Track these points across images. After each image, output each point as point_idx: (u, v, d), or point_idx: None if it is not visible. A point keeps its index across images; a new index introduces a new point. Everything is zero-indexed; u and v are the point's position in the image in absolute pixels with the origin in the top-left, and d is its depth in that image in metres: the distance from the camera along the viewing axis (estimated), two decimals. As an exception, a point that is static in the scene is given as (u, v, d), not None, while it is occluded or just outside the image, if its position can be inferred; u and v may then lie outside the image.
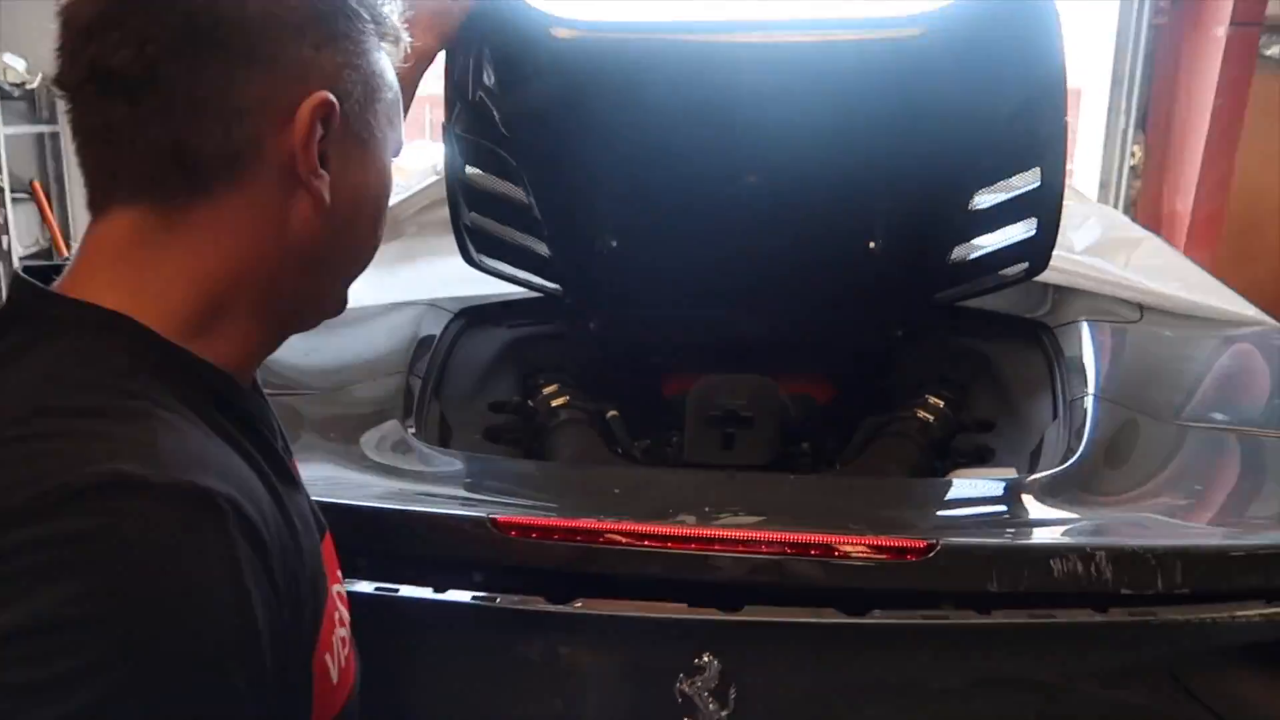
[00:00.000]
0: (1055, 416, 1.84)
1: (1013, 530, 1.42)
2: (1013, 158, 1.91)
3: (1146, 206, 4.62)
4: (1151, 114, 4.60)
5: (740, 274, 2.17)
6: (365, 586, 1.30)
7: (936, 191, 1.97)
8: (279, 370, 1.93)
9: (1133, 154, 4.59)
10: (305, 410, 1.75)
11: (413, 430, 1.72)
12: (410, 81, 1.63)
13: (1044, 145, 1.85)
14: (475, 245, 2.17)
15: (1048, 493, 1.51)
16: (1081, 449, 1.62)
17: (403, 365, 1.95)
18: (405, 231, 2.55)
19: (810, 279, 2.16)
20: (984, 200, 2.00)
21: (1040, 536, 1.39)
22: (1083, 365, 1.94)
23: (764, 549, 1.29)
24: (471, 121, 1.93)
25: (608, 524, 1.32)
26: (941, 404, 2.07)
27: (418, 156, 3.38)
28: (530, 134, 1.95)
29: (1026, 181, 1.93)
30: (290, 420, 1.68)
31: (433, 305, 2.24)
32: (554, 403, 2.09)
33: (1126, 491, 1.52)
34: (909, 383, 2.20)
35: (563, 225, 2.11)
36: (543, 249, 2.17)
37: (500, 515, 1.33)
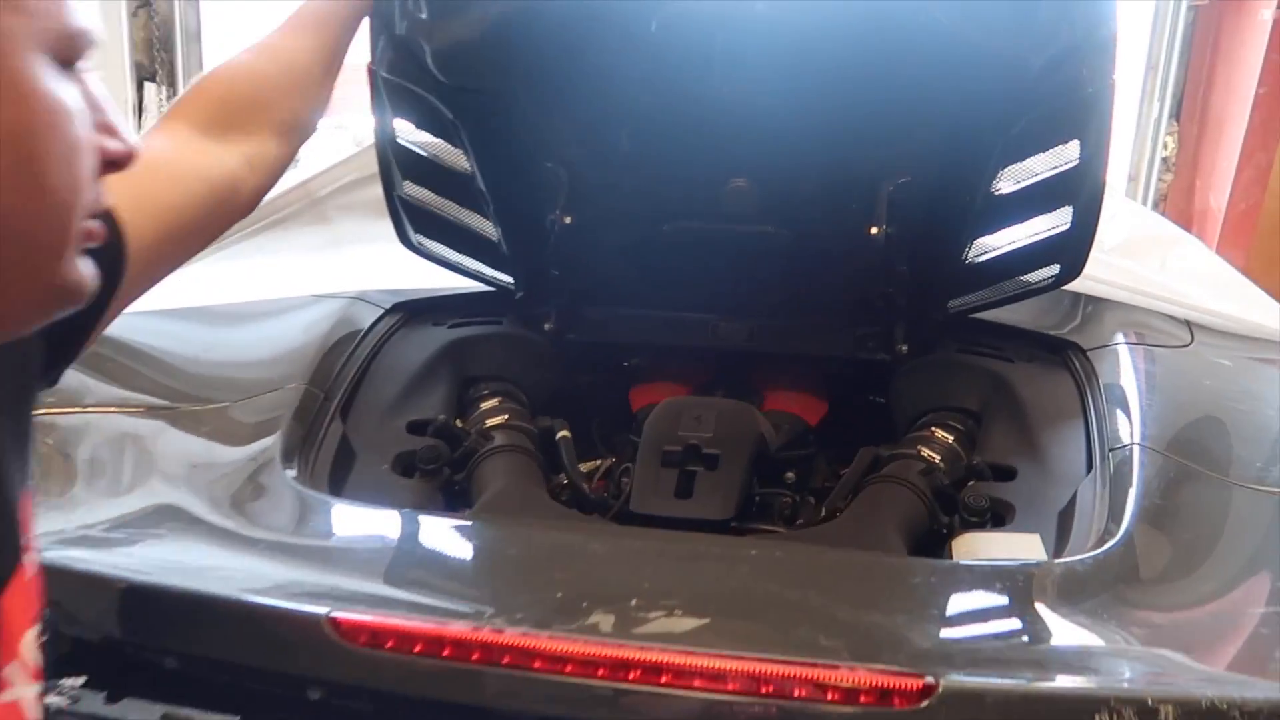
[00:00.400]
0: (1090, 468, 1.43)
1: (1040, 661, 1.00)
2: (1046, 124, 1.50)
3: (1177, 201, 4.17)
4: (1186, 102, 4.15)
5: (720, 266, 1.78)
6: (147, 711, 0.92)
7: (952, 163, 1.57)
8: (151, 376, 1.55)
9: (1165, 145, 4.14)
10: (160, 433, 1.36)
11: (293, 472, 1.31)
12: (347, 26, 1.27)
13: (1085, 110, 1.46)
14: (413, 224, 1.78)
15: (1086, 589, 1.10)
16: (1128, 522, 1.21)
17: (304, 374, 1.56)
18: (328, 213, 2.14)
19: (803, 271, 1.76)
20: (1009, 182, 1.60)
21: (1079, 674, 0.97)
22: (1124, 400, 1.54)
23: (696, 683, 0.89)
24: (398, 62, 1.53)
25: (485, 633, 0.92)
26: (951, 439, 1.66)
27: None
28: (468, 79, 1.55)
29: (1061, 159, 1.53)
30: (130, 449, 1.29)
31: (358, 299, 1.84)
32: (489, 422, 1.69)
33: (1195, 596, 1.10)
34: (912, 409, 1.79)
35: (510, 198, 1.72)
36: (490, 229, 1.77)
37: (344, 613, 0.94)
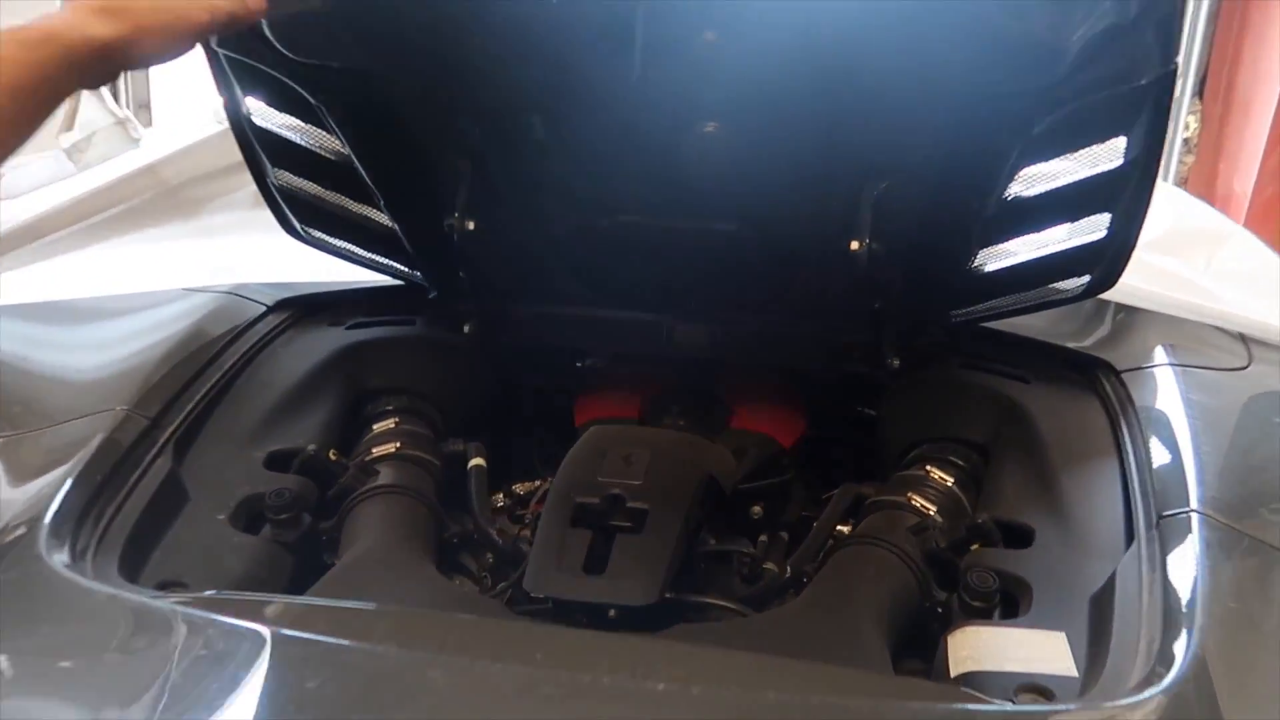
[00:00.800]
0: (1132, 538, 1.05)
1: None
2: (1082, 121, 1.14)
3: (1199, 186, 3.77)
4: (1210, 80, 3.75)
5: (674, 263, 1.41)
6: None
7: (956, 166, 1.21)
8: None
9: (1187, 125, 3.74)
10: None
11: (61, 555, 0.91)
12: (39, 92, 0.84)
13: (1136, 103, 1.10)
14: (297, 215, 1.41)
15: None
16: (1196, 637, 0.82)
17: (130, 394, 1.18)
18: (199, 207, 1.72)
19: (772, 273, 1.40)
20: (1035, 180, 1.22)
21: None
22: (1173, 442, 1.16)
23: None
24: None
25: None
26: (950, 480, 1.29)
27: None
28: (320, 54, 1.17)
29: (1102, 159, 1.17)
30: None
31: (234, 293, 1.46)
32: (376, 451, 1.31)
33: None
34: (904, 437, 1.41)
35: (402, 191, 1.35)
36: (385, 220, 1.39)
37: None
